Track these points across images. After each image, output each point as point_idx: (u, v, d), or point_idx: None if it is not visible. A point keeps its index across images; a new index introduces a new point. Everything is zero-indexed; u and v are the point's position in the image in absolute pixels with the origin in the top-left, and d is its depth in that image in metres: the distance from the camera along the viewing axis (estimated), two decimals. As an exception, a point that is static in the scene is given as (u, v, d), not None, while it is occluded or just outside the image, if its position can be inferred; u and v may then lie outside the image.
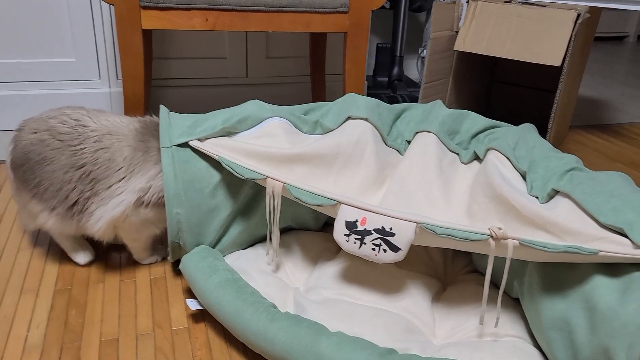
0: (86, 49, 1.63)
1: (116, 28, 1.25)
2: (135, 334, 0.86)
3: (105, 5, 1.60)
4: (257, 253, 1.00)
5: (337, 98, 1.44)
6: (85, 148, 0.92)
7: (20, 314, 0.88)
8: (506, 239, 0.72)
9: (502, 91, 1.89)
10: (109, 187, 0.91)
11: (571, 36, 1.28)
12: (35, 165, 0.91)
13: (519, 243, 0.72)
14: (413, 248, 1.01)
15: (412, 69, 2.47)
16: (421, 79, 2.33)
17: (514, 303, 0.88)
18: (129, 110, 1.34)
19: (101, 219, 0.91)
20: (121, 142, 0.93)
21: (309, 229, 1.10)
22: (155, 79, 1.76)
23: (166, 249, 1.05)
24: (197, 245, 0.96)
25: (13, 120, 1.62)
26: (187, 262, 0.91)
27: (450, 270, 1.00)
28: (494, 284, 0.94)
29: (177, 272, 1.01)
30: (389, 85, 2.19)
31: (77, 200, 0.91)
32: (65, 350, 0.81)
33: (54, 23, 1.57)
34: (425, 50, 2.22)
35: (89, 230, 0.93)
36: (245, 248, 1.03)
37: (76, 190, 0.90)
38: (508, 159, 0.91)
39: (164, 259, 1.05)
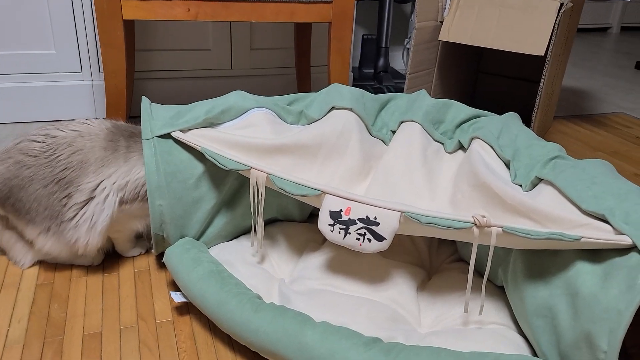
0: (67, 40, 1.60)
1: (96, 19, 1.23)
2: (119, 327, 0.85)
3: (85, -5, 1.57)
4: (242, 244, 1.00)
5: (323, 89, 1.44)
6: (59, 155, 0.90)
7: (1, 309, 0.87)
8: (490, 226, 0.73)
9: (487, 81, 1.89)
10: (82, 189, 0.89)
11: (554, 26, 1.28)
12: (19, 191, 0.88)
13: (502, 230, 0.72)
14: (398, 237, 1.01)
15: (397, 61, 2.46)
16: (407, 70, 2.33)
17: (498, 291, 0.88)
18: (111, 103, 1.33)
19: (92, 230, 0.89)
20: (93, 142, 0.92)
21: (294, 220, 1.10)
22: (138, 71, 1.73)
23: (149, 241, 1.04)
24: (181, 238, 0.95)
25: (-8, 114, 1.60)
26: (171, 255, 0.91)
27: (435, 259, 1.00)
28: (479, 272, 0.94)
29: (161, 265, 1.00)
30: (375, 77, 2.19)
31: (60, 212, 0.89)
32: (48, 344, 0.80)
33: (33, 13, 1.54)
34: (410, 42, 2.22)
35: (80, 244, 0.89)
36: (230, 240, 1.03)
37: (57, 200, 0.88)
38: (492, 147, 0.92)
39: (147, 251, 1.04)
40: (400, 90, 2.00)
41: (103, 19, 1.23)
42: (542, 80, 1.34)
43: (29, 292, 0.91)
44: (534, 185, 0.84)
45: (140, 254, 1.03)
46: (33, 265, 0.98)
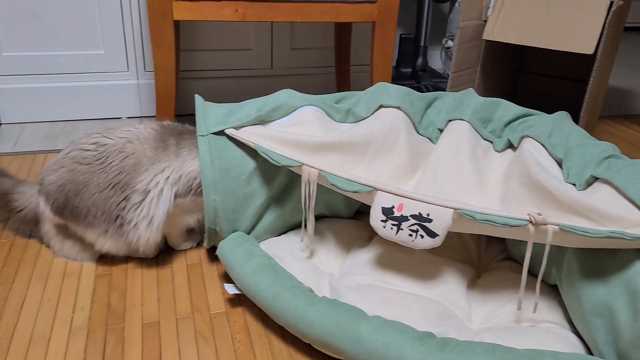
0: (115, 41, 1.65)
1: (148, 19, 1.27)
2: (175, 317, 0.87)
3: (134, -3, 1.62)
4: (291, 240, 1.02)
5: (362, 89, 1.45)
6: (112, 162, 0.93)
7: (64, 297, 0.91)
8: (546, 224, 0.73)
9: (529, 81, 1.87)
10: (138, 189, 0.92)
11: (605, 23, 1.26)
12: (75, 197, 0.92)
13: (559, 228, 0.72)
14: (447, 235, 1.02)
15: (435, 60, 2.46)
16: (445, 69, 2.32)
17: (551, 290, 0.88)
18: (161, 101, 1.36)
19: (150, 226, 0.92)
20: (143, 144, 0.95)
21: (341, 217, 1.11)
22: (181, 71, 1.78)
23: (201, 235, 1.07)
24: (233, 232, 0.97)
25: (43, 112, 1.66)
26: (224, 248, 0.93)
27: (484, 257, 1.00)
28: (529, 271, 0.94)
29: (212, 258, 1.03)
30: (413, 76, 2.19)
31: (118, 215, 0.92)
32: (110, 332, 0.84)
33: (83, 15, 1.60)
34: (449, 41, 2.21)
35: (141, 243, 0.93)
36: (279, 235, 1.05)
37: (114, 204, 0.92)
38: (544, 146, 0.91)
39: (198, 244, 1.07)
40: (439, 90, 1.99)
41: (155, 20, 1.27)
42: (591, 79, 1.32)
43: (89, 282, 0.95)
44: (589, 184, 0.83)
45: (191, 247, 1.06)
46: (91, 256, 1.02)
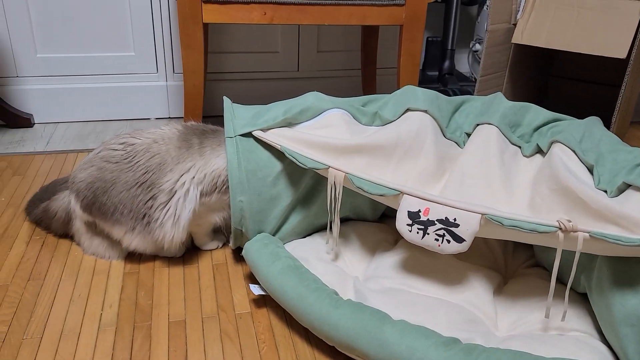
0: (145, 43, 1.68)
1: (178, 22, 1.29)
2: (201, 316, 0.89)
3: (164, 0, 1.64)
4: (316, 242, 1.02)
5: (388, 92, 1.44)
6: (139, 161, 0.95)
7: (93, 294, 0.93)
8: (576, 231, 0.71)
9: (558, 85, 1.84)
10: (164, 189, 0.94)
11: (638, 27, 1.24)
12: (103, 194, 0.94)
13: (589, 236, 0.71)
14: (473, 240, 1.01)
15: (462, 63, 2.43)
16: (472, 73, 2.29)
17: (580, 298, 0.86)
18: (189, 102, 1.38)
19: (176, 225, 0.94)
20: (167, 144, 0.97)
21: (367, 220, 1.11)
22: (209, 73, 1.80)
23: (226, 235, 1.08)
24: (259, 233, 0.98)
25: (75, 112, 1.70)
26: (250, 249, 0.94)
27: (511, 263, 0.99)
28: (558, 279, 0.92)
29: (238, 259, 1.04)
30: (440, 79, 2.17)
31: (145, 214, 0.94)
32: (137, 329, 0.85)
33: (115, 18, 1.63)
34: (477, 44, 2.19)
35: (166, 240, 0.94)
36: (304, 237, 1.05)
37: (141, 202, 0.94)
38: (574, 151, 0.90)
39: (224, 245, 1.08)
40: (465, 93, 1.98)
41: (185, 22, 1.29)
42: (624, 84, 1.29)
43: (117, 280, 0.96)
44: (621, 191, 0.81)
45: (217, 247, 1.07)
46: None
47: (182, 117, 1.75)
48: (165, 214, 0.93)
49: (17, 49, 1.60)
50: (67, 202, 1.02)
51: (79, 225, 1.02)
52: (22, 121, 1.63)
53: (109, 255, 1.02)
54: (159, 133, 1.00)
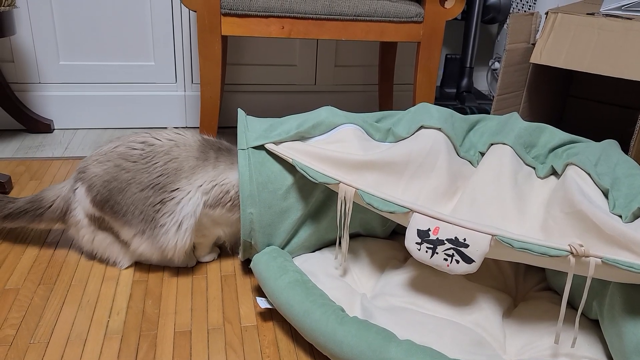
0: (165, 53, 1.70)
1: (197, 34, 1.31)
2: (207, 327, 0.89)
3: (185, 11, 1.67)
4: (325, 257, 1.02)
5: (404, 108, 1.44)
6: (157, 162, 0.95)
7: (101, 301, 0.93)
8: (588, 256, 0.70)
9: (577, 106, 1.82)
10: (174, 196, 0.94)
11: (658, 50, 1.22)
12: (118, 194, 0.94)
13: (602, 261, 0.69)
14: (483, 261, 0.99)
15: (481, 81, 2.42)
16: (490, 91, 2.28)
17: (591, 325, 0.84)
18: (206, 113, 1.40)
19: (179, 232, 0.94)
20: (188, 151, 0.97)
21: (377, 236, 1.10)
22: (227, 84, 1.82)
23: (232, 250, 1.08)
24: (268, 246, 0.98)
25: (94, 119, 1.72)
26: (258, 262, 0.94)
27: (521, 286, 0.97)
28: (569, 304, 0.90)
29: (246, 271, 1.04)
30: (457, 97, 2.16)
31: (153, 217, 0.93)
32: (143, 337, 0.85)
33: (137, 28, 1.66)
34: (496, 63, 2.18)
35: (169, 247, 0.94)
36: (313, 251, 1.05)
37: (151, 205, 0.93)
38: (589, 175, 0.88)
39: (219, 256, 1.08)
40: (483, 111, 1.96)
41: (204, 34, 1.31)
42: (642, 106, 1.27)
43: (126, 287, 0.97)
44: (636, 217, 0.80)
45: (213, 260, 1.07)
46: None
47: (198, 127, 1.77)
48: (171, 222, 0.93)
49: (41, 56, 1.63)
50: (66, 190, 1.00)
51: (80, 217, 0.99)
52: (42, 126, 1.66)
53: (109, 252, 1.01)
54: (181, 137, 1.00)
